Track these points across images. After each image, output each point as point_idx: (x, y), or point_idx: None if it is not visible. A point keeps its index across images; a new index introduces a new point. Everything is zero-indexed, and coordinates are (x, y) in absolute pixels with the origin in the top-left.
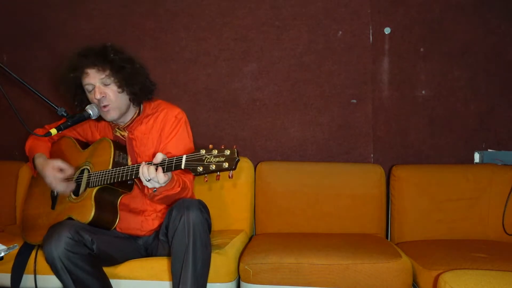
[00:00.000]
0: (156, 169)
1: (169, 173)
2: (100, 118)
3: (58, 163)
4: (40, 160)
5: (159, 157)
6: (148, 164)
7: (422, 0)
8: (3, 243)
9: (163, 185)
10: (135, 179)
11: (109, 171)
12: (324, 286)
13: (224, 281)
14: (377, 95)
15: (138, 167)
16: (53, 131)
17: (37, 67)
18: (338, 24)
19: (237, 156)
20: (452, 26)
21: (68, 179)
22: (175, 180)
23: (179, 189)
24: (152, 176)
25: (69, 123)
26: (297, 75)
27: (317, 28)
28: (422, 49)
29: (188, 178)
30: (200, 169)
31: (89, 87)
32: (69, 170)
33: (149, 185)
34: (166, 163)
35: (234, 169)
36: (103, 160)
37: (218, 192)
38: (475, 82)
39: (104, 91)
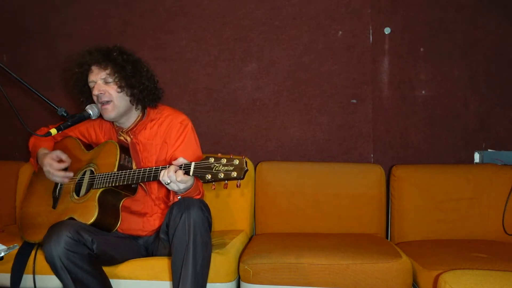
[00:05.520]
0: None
1: (192, 179)
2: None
3: (57, 152)
4: (41, 153)
5: (179, 161)
6: (167, 167)
7: (422, 0)
8: (3, 243)
9: (183, 190)
10: (140, 183)
11: (116, 173)
12: (324, 286)
13: (224, 281)
14: (377, 95)
15: (151, 170)
16: (53, 131)
17: (37, 67)
18: (338, 24)
19: (246, 166)
20: (452, 26)
21: (66, 170)
22: (198, 190)
23: (199, 196)
24: (172, 179)
25: (69, 123)
26: (297, 75)
27: (317, 28)
28: (422, 49)
29: (200, 184)
30: (209, 176)
31: (92, 84)
32: (67, 160)
33: (169, 187)
34: None
35: (242, 178)
36: (109, 162)
37: (218, 193)
38: (475, 82)
39: (103, 88)
